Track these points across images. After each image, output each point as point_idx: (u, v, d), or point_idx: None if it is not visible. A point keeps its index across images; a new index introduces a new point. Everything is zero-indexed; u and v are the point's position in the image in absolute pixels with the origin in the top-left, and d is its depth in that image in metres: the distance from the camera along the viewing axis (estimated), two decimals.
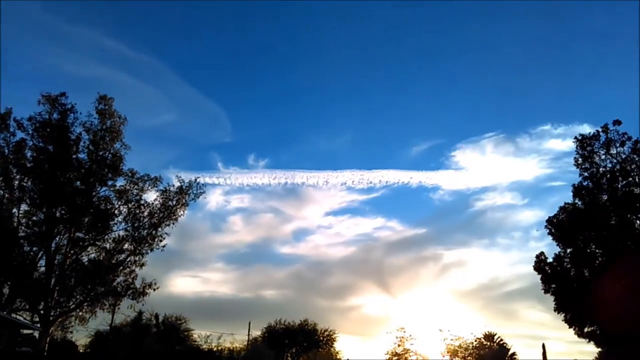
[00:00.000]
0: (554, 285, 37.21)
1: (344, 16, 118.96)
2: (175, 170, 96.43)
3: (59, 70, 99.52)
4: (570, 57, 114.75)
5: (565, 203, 35.84)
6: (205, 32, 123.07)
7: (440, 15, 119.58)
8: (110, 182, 35.95)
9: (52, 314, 32.88)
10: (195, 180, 36.53)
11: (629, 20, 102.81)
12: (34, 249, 34.61)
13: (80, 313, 34.47)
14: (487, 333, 48.39)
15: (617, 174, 33.09)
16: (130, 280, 34.78)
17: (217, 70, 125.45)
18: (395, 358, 44.84)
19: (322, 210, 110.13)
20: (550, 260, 37.43)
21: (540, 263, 37.53)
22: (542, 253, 37.66)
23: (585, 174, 34.35)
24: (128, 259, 35.10)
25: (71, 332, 35.56)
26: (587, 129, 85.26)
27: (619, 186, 33.25)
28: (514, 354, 48.61)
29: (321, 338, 51.43)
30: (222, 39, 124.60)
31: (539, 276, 37.82)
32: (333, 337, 52.87)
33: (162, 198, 35.72)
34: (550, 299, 37.33)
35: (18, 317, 32.28)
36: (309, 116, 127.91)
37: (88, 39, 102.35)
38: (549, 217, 36.27)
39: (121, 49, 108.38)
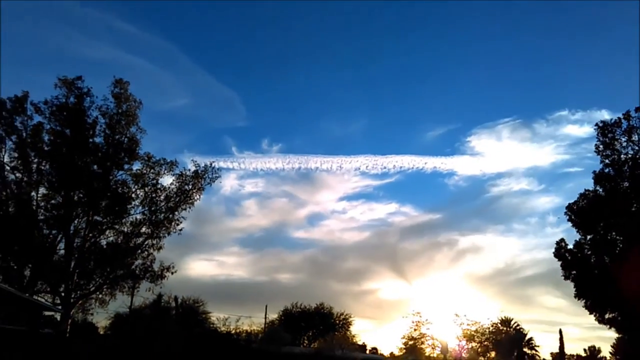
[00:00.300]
0: (574, 272, 37.25)
1: (360, 3, 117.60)
2: (190, 155, 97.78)
3: (72, 53, 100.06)
4: (588, 42, 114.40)
5: (586, 190, 35.68)
6: (219, 17, 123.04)
7: (458, 1, 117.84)
8: (126, 166, 36.29)
9: (72, 296, 33.76)
10: (211, 164, 36.97)
11: None
12: (53, 232, 35.26)
13: (100, 295, 35.28)
14: (504, 318, 49.00)
15: (639, 161, 32.73)
16: (148, 263, 35.50)
17: (230, 54, 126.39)
18: (412, 342, 45.48)
19: (336, 195, 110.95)
20: (570, 246, 37.47)
21: (560, 249, 37.58)
22: (562, 239, 37.80)
23: (607, 160, 34.10)
24: (146, 243, 35.75)
25: (92, 314, 36.53)
26: (605, 115, 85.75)
27: None
28: (530, 339, 49.32)
29: (337, 322, 52.17)
30: (237, 24, 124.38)
31: (559, 262, 37.94)
32: (349, 321, 53.57)
33: (178, 182, 36.13)
34: (567, 284, 37.55)
35: (40, 299, 33.16)
36: (323, 101, 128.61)
37: (100, 21, 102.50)
38: (569, 204, 36.16)
39: (134, 32, 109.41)
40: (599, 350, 63.27)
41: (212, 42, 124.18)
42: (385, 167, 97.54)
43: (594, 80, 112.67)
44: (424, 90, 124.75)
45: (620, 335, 38.56)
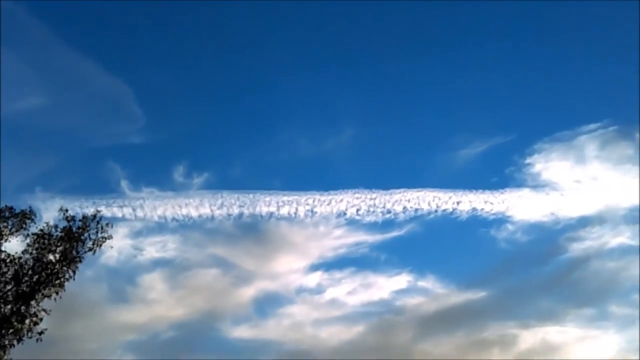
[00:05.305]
0: None
1: None
2: (45, 192, 61.33)
3: None
4: None
5: None
6: None
7: None
8: None
9: None
10: (95, 216, 25.46)
11: None
12: None
13: None
14: None
15: None
16: None
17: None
18: None
19: (304, 260, 72.95)
20: None
21: None
22: None
23: None
24: None
25: None
26: None
27: None
28: None
29: None
30: None
31: None
32: None
33: (36, 250, 24.40)
34: None
35: None
36: (283, 100, 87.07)
37: None
38: None
39: None
40: None
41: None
42: (389, 211, 65.83)
43: None
44: (453, 81, 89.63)
45: None
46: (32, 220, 25.05)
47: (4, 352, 23.56)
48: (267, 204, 63.56)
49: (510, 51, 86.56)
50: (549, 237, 71.97)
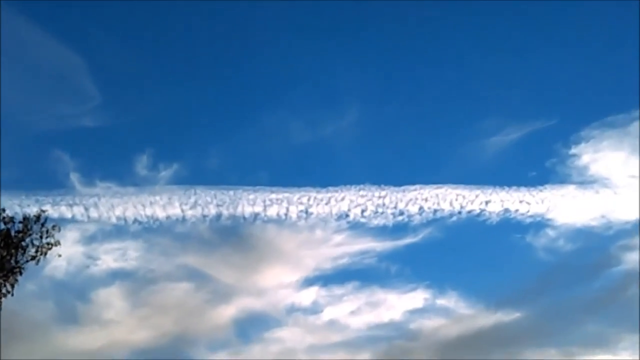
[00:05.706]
0: None
1: None
2: None
3: None
4: None
5: None
6: None
7: None
8: None
9: None
10: (39, 217, 22.88)
11: None
12: None
13: None
14: None
15: None
16: None
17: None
18: None
19: (296, 273, 63.94)
20: None
21: None
22: None
23: None
24: None
25: None
26: None
27: None
28: None
29: None
30: None
31: None
32: None
33: None
34: None
35: None
36: (269, 75, 79.95)
37: None
38: None
39: None
40: None
41: None
42: (401, 212, 59.10)
43: None
44: (481, 54, 79.73)
45: None
46: None
47: None
48: (251, 202, 56.67)
49: (552, 18, 76.47)
50: (598, 245, 63.81)
